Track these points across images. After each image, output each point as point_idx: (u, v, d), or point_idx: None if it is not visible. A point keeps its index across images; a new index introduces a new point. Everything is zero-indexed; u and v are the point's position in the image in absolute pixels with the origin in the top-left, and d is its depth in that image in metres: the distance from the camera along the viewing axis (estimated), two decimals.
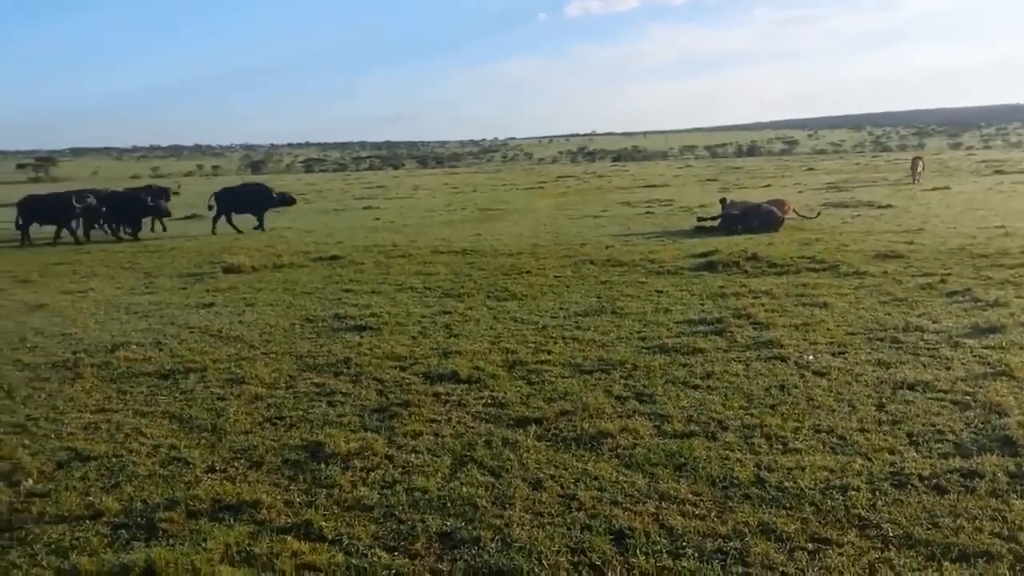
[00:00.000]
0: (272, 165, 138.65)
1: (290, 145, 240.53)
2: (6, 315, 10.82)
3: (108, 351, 8.49)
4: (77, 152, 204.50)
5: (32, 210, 21.43)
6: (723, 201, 19.70)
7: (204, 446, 5.75)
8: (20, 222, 21.17)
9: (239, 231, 21.79)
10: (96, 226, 22.39)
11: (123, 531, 4.51)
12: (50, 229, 21.45)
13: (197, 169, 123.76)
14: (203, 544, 4.28)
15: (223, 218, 22.29)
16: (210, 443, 5.81)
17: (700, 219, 19.39)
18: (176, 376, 7.52)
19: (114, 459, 5.54)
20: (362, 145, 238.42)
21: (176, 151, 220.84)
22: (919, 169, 35.10)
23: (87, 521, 4.64)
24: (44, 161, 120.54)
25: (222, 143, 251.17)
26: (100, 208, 21.69)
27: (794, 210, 19.07)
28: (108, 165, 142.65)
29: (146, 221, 22.71)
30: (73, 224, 21.36)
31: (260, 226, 22.23)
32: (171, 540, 4.37)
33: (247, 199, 22.78)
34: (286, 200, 23.22)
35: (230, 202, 22.56)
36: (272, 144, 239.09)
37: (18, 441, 5.91)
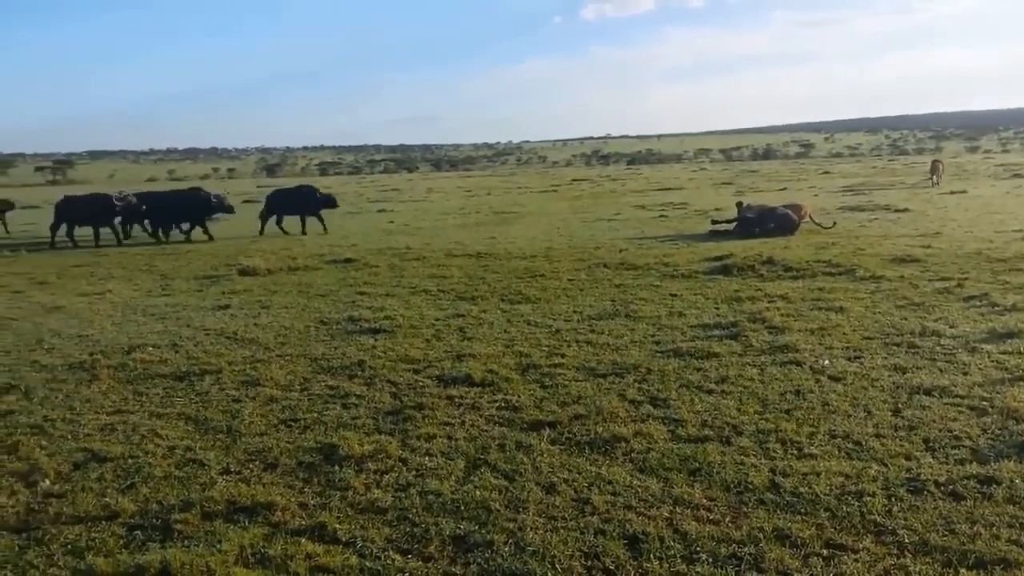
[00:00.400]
0: (287, 168, 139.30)
1: (305, 148, 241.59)
2: (24, 317, 10.91)
3: (124, 353, 8.54)
4: (94, 155, 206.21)
5: (70, 211, 21.15)
6: (739, 204, 19.65)
7: (219, 448, 5.78)
8: (55, 223, 20.91)
9: (262, 234, 21.88)
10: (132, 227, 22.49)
11: (138, 532, 4.54)
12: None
13: (213, 172, 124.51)
14: (218, 546, 4.30)
15: (277, 217, 22.38)
16: (225, 445, 5.84)
17: (715, 221, 19.34)
18: (192, 378, 7.56)
19: (130, 460, 5.57)
20: (376, 148, 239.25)
21: (192, 154, 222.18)
22: (939, 171, 35.06)
23: (103, 522, 4.68)
24: (62, 164, 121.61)
25: (238, 146, 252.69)
26: (140, 207, 21.70)
27: (810, 216, 18.96)
28: (125, 168, 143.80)
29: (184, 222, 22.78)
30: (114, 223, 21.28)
31: (303, 228, 22.28)
32: (186, 541, 4.39)
33: (296, 201, 22.75)
34: (330, 202, 23.08)
35: (280, 204, 22.66)
36: (287, 147, 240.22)
37: (35, 442, 5.96)
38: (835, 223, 19.00)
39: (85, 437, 6.05)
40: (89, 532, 4.56)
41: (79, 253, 19.28)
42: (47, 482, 5.24)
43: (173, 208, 22.13)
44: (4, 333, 9.82)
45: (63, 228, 21.01)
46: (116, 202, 21.15)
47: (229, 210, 22.64)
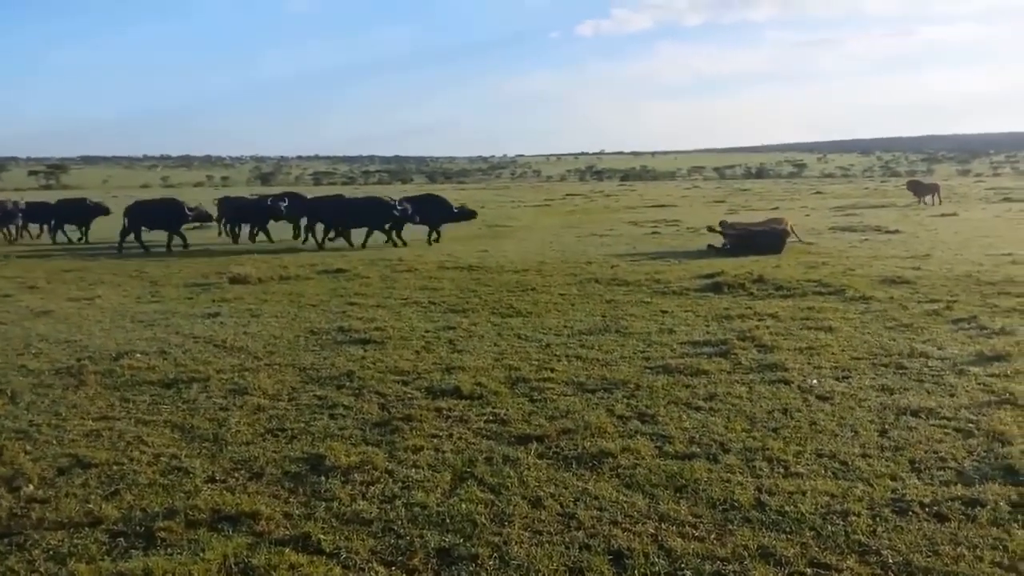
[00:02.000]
0: (281, 177, 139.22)
1: (299, 157, 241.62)
2: (12, 321, 10.87)
3: (112, 359, 8.51)
4: (88, 160, 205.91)
5: (140, 216, 20.94)
6: (723, 223, 19.73)
7: (205, 456, 5.76)
8: (126, 228, 20.68)
9: (405, 243, 21.45)
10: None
11: (121, 539, 4.52)
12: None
13: (207, 179, 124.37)
14: (201, 554, 4.28)
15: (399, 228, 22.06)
16: (211, 453, 5.81)
17: (711, 230, 19.27)
18: (179, 385, 7.53)
19: (115, 467, 5.55)
20: (371, 159, 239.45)
21: (186, 161, 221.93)
22: (936, 192, 37.61)
23: (86, 528, 4.65)
24: (55, 168, 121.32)
25: (232, 154, 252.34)
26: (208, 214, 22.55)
27: (792, 228, 19.10)
28: (119, 174, 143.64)
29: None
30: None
31: (435, 235, 22.19)
32: (169, 549, 4.37)
33: (425, 210, 22.63)
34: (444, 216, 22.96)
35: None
36: (282, 156, 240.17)
37: (20, 447, 5.93)
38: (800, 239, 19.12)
39: (70, 443, 6.02)
40: (72, 538, 4.53)
41: (69, 258, 19.21)
42: (31, 487, 5.21)
43: (359, 214, 22.04)
44: None
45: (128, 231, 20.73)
46: (188, 212, 21.43)
47: (413, 219, 22.12)
